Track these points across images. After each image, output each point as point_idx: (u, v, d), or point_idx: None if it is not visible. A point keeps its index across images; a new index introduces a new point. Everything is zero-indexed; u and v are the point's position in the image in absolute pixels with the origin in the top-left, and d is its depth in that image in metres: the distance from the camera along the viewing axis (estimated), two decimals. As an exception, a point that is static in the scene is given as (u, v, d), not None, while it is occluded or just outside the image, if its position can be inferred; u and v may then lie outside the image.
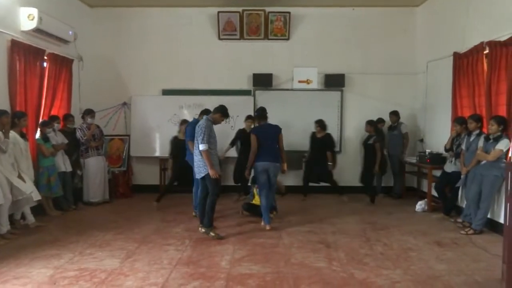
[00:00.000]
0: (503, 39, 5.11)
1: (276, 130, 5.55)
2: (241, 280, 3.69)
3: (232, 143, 7.17)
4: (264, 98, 7.90)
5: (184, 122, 6.54)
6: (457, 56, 6.21)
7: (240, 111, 7.61)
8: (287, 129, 7.60)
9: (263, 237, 5.04)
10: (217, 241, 4.86)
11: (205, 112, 5.75)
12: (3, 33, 5.35)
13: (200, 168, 5.02)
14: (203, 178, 5.06)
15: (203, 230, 5.08)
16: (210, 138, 4.98)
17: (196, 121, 5.66)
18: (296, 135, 7.77)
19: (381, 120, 7.55)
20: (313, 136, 7.34)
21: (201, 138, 4.90)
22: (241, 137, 7.01)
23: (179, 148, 6.33)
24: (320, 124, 7.24)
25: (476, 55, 5.70)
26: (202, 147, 4.89)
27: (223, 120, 5.24)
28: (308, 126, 7.82)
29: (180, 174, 6.48)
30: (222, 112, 5.15)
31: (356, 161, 7.97)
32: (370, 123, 7.22)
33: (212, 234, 4.98)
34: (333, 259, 4.23)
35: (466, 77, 5.95)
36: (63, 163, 6.20)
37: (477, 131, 5.34)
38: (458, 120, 5.82)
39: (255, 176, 5.64)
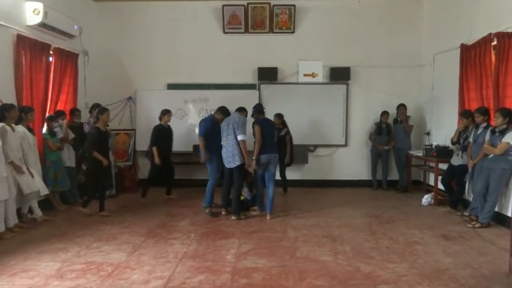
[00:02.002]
0: (511, 30, 5.04)
1: (274, 124, 5.91)
2: (246, 273, 3.70)
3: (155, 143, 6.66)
4: (269, 91, 7.88)
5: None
6: (464, 48, 6.13)
7: (245, 105, 7.52)
8: (292, 122, 7.63)
9: (268, 231, 5.05)
10: (222, 235, 4.88)
11: (222, 109, 6.01)
12: (8, 28, 5.37)
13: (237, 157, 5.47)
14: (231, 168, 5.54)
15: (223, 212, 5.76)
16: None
17: (211, 117, 6.05)
18: (301, 128, 7.75)
19: (385, 113, 7.51)
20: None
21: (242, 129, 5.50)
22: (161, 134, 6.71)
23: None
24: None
25: (484, 47, 5.62)
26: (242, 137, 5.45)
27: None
28: (314, 120, 7.82)
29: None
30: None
31: (362, 155, 7.95)
32: (278, 116, 7.03)
33: (242, 216, 5.58)
34: (338, 253, 4.23)
35: (474, 69, 5.88)
36: (68, 158, 6.22)
37: (485, 124, 5.29)
38: (465, 114, 5.77)
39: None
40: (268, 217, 5.58)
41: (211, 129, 5.87)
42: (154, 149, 6.49)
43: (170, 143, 6.85)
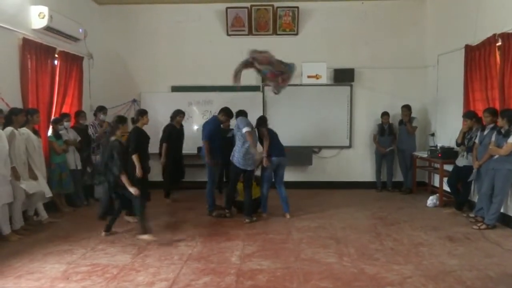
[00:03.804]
0: (516, 30, 5.02)
1: (276, 134, 5.93)
2: (251, 275, 3.71)
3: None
4: (272, 94, 7.84)
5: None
6: (468, 49, 6.11)
7: (249, 107, 7.59)
8: (296, 124, 7.63)
9: (272, 233, 5.04)
10: (227, 237, 4.88)
11: (226, 110, 6.02)
12: (14, 32, 5.41)
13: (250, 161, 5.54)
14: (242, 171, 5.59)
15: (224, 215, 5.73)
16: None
17: (214, 119, 6.05)
18: (305, 130, 7.75)
19: (385, 114, 7.50)
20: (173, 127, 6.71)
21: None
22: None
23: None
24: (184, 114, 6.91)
25: (489, 48, 5.60)
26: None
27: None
28: (318, 122, 7.81)
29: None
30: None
31: (366, 156, 7.94)
32: (226, 112, 6.46)
33: (254, 218, 5.55)
34: (343, 255, 4.22)
35: (478, 70, 5.85)
36: (74, 161, 6.25)
37: (492, 125, 5.26)
38: (468, 114, 5.76)
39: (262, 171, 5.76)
40: (288, 216, 5.73)
41: (214, 131, 5.89)
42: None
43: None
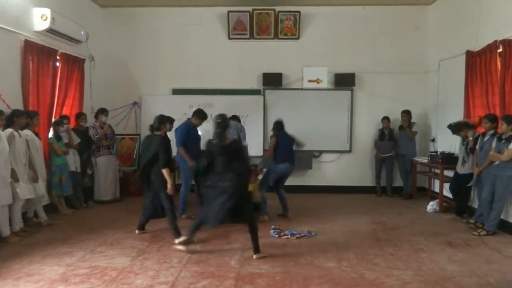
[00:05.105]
0: (517, 37, 5.03)
1: (292, 139, 5.97)
2: (250, 279, 3.70)
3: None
4: (273, 97, 7.89)
5: None
6: (470, 55, 6.13)
7: (249, 111, 7.62)
8: (296, 129, 7.61)
9: (272, 236, 5.03)
10: (226, 240, 4.87)
11: (199, 113, 5.95)
12: (16, 33, 5.43)
13: None
14: None
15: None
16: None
17: (187, 123, 5.92)
18: (306, 134, 7.73)
19: (385, 118, 7.51)
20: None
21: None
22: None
23: None
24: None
25: (490, 54, 5.61)
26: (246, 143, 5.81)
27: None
28: (318, 126, 7.81)
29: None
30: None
31: (366, 161, 7.94)
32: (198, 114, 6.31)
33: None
34: (343, 260, 4.21)
35: (479, 76, 5.87)
36: (74, 163, 6.25)
37: (492, 131, 5.26)
38: (454, 129, 5.95)
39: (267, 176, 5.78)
40: (290, 216, 5.89)
41: (187, 135, 5.69)
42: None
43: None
